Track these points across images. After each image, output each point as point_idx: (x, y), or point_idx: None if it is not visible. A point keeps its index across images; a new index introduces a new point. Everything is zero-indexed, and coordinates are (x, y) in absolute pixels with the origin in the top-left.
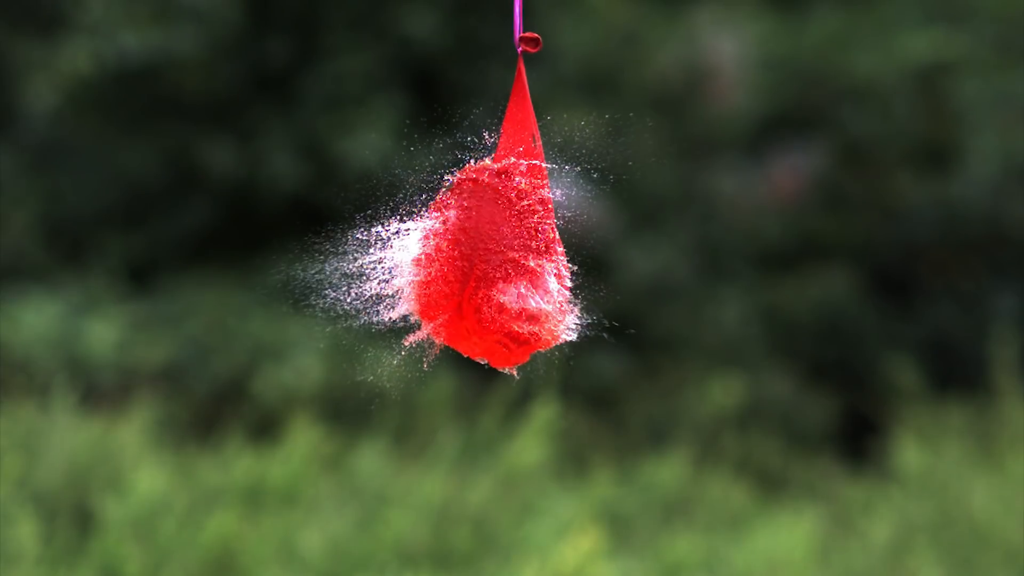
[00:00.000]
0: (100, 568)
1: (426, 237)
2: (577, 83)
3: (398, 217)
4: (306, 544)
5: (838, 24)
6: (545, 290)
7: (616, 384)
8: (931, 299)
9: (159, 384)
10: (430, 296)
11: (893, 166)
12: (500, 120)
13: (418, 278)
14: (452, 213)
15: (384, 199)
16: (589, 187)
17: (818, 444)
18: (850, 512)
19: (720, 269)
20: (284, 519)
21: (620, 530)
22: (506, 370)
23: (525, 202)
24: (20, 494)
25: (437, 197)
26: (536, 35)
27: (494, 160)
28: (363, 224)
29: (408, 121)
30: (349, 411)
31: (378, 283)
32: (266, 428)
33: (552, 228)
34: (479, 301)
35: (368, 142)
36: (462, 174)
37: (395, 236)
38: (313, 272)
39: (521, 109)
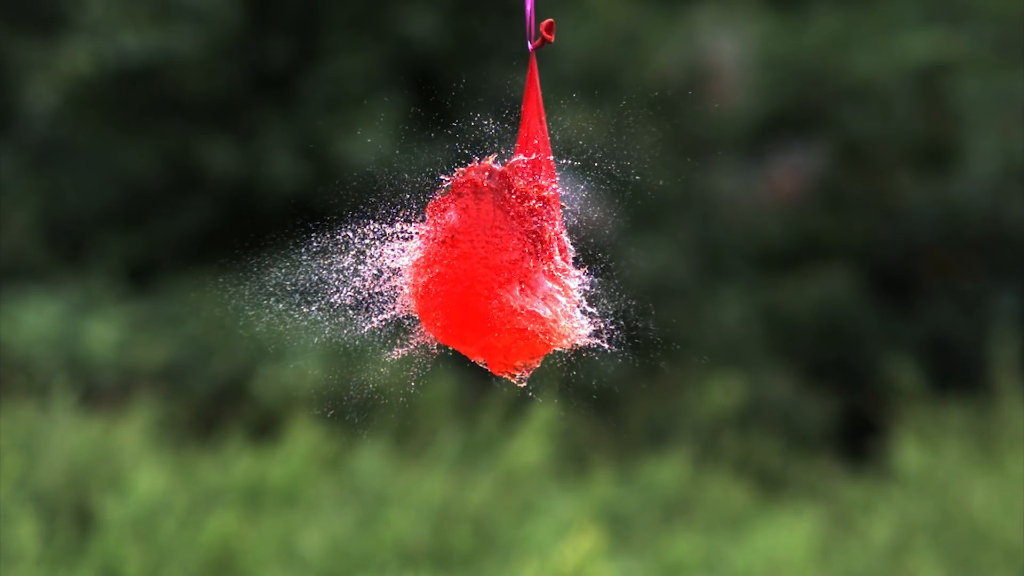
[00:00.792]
0: (100, 568)
1: (426, 238)
2: (577, 83)
3: (398, 218)
4: (306, 544)
5: (838, 24)
6: (545, 292)
7: (616, 384)
8: (931, 299)
9: (159, 384)
10: (429, 297)
11: (893, 166)
12: (510, 118)
13: (417, 279)
14: (451, 215)
15: (384, 199)
16: (591, 186)
17: (818, 444)
18: (850, 512)
19: (720, 269)
20: (284, 519)
21: (620, 530)
22: (506, 376)
23: (525, 205)
24: (20, 494)
25: (436, 198)
26: (551, 20)
27: (515, 153)
28: (363, 224)
29: (408, 121)
30: (349, 411)
31: (377, 283)
32: (266, 428)
33: (554, 229)
34: (478, 303)
35: (368, 142)
36: (462, 176)
37: (395, 237)
38: (313, 272)
39: (532, 107)
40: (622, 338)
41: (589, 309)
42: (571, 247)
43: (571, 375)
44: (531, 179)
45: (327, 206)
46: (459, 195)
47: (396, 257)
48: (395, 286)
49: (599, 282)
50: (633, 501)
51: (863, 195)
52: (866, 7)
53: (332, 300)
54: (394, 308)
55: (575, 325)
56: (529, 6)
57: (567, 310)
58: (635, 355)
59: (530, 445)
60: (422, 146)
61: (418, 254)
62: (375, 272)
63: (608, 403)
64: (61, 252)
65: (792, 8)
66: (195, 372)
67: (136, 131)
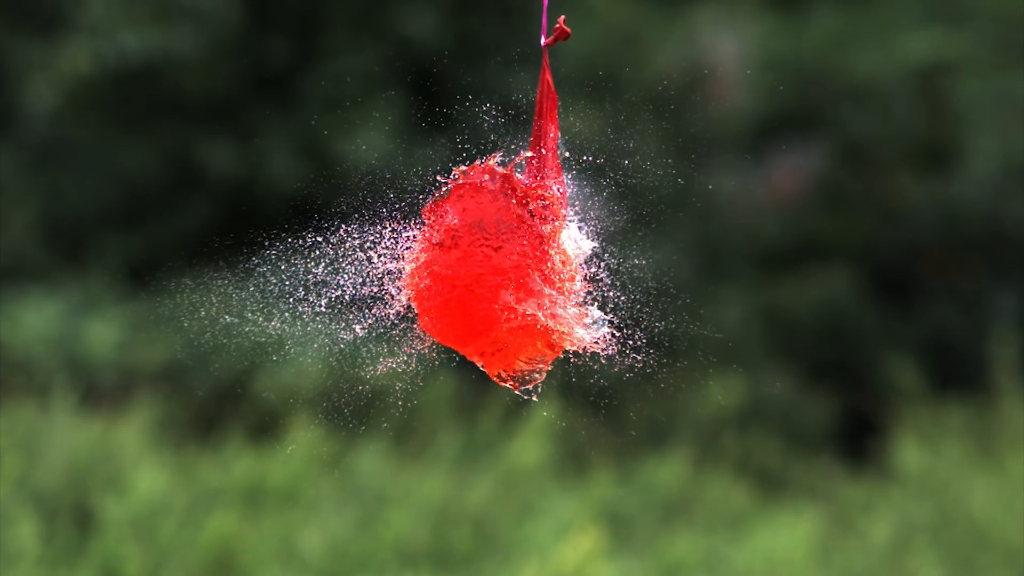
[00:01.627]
0: (100, 568)
1: (426, 239)
2: (577, 83)
3: (398, 218)
4: (306, 544)
5: (838, 24)
6: (545, 294)
7: (616, 384)
8: (931, 299)
9: (159, 384)
10: (428, 298)
11: (893, 166)
12: (510, 118)
13: (417, 280)
14: (452, 217)
15: (384, 200)
16: (593, 186)
17: (818, 444)
18: (850, 512)
19: (720, 269)
20: (284, 519)
21: (620, 530)
22: (507, 384)
23: (527, 206)
24: (20, 494)
25: (437, 199)
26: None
27: (529, 149)
28: (363, 225)
29: (407, 121)
30: (349, 411)
31: (377, 284)
32: (266, 428)
33: (556, 231)
34: (478, 305)
35: (368, 142)
36: (463, 177)
37: (395, 238)
38: (313, 272)
39: (542, 104)
40: (623, 339)
41: (589, 310)
42: (576, 248)
43: (571, 375)
44: (534, 180)
45: (327, 206)
46: (460, 196)
47: (396, 258)
48: (395, 287)
49: (600, 283)
50: (633, 501)
51: (863, 195)
52: (866, 7)
53: (332, 300)
54: (394, 309)
55: (575, 326)
56: (545, 2)
57: (567, 311)
58: (636, 356)
59: (530, 445)
60: (422, 146)
61: (418, 255)
62: (375, 273)
63: (608, 403)
64: (61, 252)
65: (792, 8)
66: (195, 372)
67: (136, 131)
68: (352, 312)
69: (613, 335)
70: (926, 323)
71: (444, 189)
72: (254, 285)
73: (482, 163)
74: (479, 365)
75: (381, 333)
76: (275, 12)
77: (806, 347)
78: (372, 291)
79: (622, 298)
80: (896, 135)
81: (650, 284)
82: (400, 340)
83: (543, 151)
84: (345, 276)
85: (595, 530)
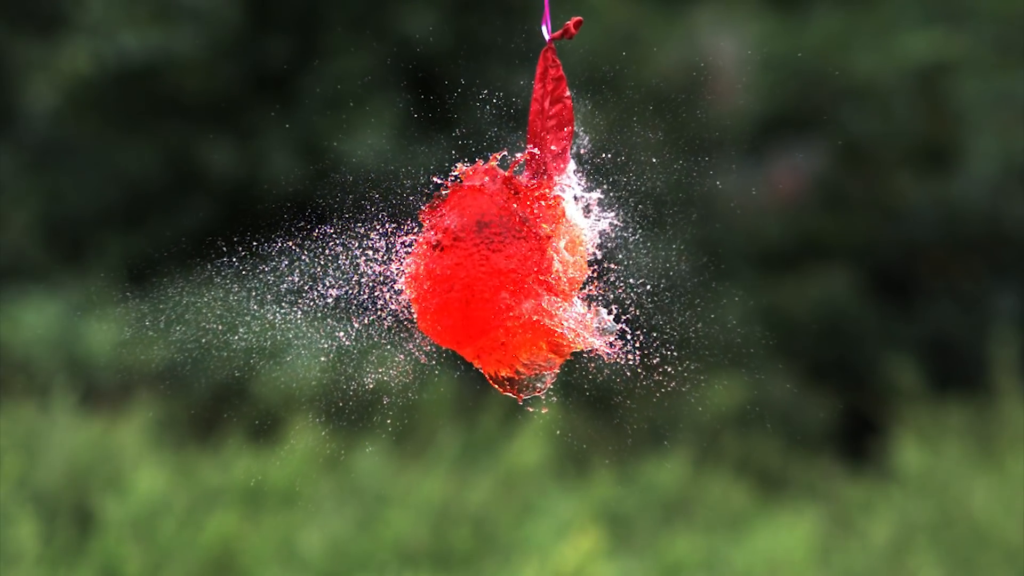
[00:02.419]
0: (100, 568)
1: (426, 241)
2: (577, 83)
3: (398, 219)
4: (306, 544)
5: (838, 24)
6: (545, 295)
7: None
8: (931, 299)
9: (159, 384)
10: (427, 299)
11: (893, 166)
12: (511, 118)
13: (416, 281)
14: (452, 219)
15: (384, 200)
16: (594, 186)
17: (818, 444)
18: (850, 512)
19: (720, 269)
20: (284, 519)
21: (620, 530)
22: (510, 395)
23: (527, 208)
24: (20, 494)
25: (437, 201)
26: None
27: (527, 138)
28: (363, 225)
29: (407, 121)
30: (349, 411)
31: (377, 284)
32: (266, 428)
33: (556, 233)
34: (477, 307)
35: (368, 142)
36: (463, 178)
37: (395, 238)
38: (313, 272)
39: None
40: (624, 340)
41: (599, 311)
42: (581, 247)
43: (571, 375)
44: (534, 181)
45: (327, 207)
46: (458, 197)
47: (395, 258)
48: (394, 287)
49: (606, 279)
50: (633, 501)
51: (863, 195)
52: (866, 7)
53: (331, 300)
54: (393, 309)
55: (580, 329)
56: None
57: (571, 313)
58: (636, 356)
59: (530, 445)
60: (422, 146)
61: (416, 256)
62: (374, 273)
63: (608, 403)
64: (61, 252)
65: (792, 8)
66: (195, 372)
67: (136, 131)
68: (352, 312)
69: (622, 338)
70: (926, 323)
71: (443, 191)
72: (254, 285)
73: (483, 164)
74: (477, 367)
75: (381, 333)
76: (275, 12)
77: (806, 347)
78: (371, 291)
79: (625, 298)
80: (896, 135)
81: (650, 284)
82: (399, 341)
83: (541, 147)
84: (344, 276)
85: (595, 530)
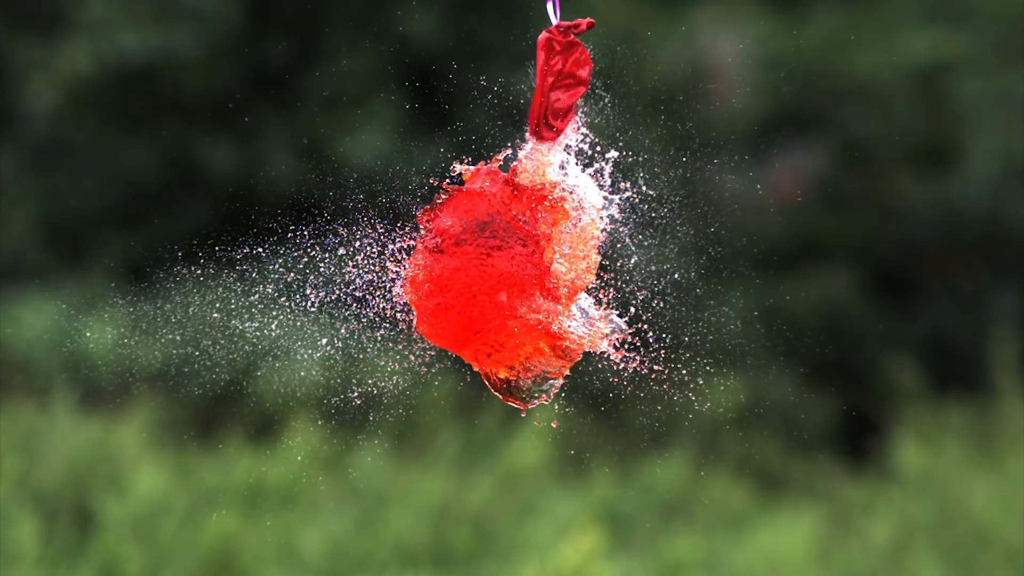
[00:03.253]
0: (100, 568)
1: (426, 242)
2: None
3: (398, 220)
4: (306, 544)
5: (838, 24)
6: (541, 297)
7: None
8: (931, 299)
9: (159, 384)
10: (427, 300)
11: (893, 166)
12: (511, 118)
13: (416, 282)
14: (452, 221)
15: (384, 201)
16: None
17: (818, 444)
18: (850, 512)
19: (720, 269)
20: (284, 519)
21: (620, 530)
22: (514, 405)
23: (527, 210)
24: (20, 494)
25: (437, 203)
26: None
27: (528, 121)
28: (363, 226)
29: (408, 121)
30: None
31: (377, 285)
32: (266, 428)
33: (555, 235)
34: (476, 309)
35: (368, 142)
36: (463, 180)
37: (395, 239)
38: (313, 272)
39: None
40: (629, 342)
41: (606, 314)
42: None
43: (572, 376)
44: (535, 183)
45: (326, 207)
46: (457, 200)
47: (394, 260)
48: (393, 289)
49: (606, 285)
50: (633, 501)
51: (863, 195)
52: (866, 7)
53: (331, 301)
54: (392, 311)
55: (583, 331)
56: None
57: (573, 315)
58: (640, 357)
59: (530, 445)
60: (422, 145)
61: (415, 258)
62: (373, 274)
63: (608, 403)
64: (61, 252)
65: (792, 8)
66: (195, 372)
67: (136, 131)
68: (351, 313)
69: (626, 339)
70: (926, 323)
71: (442, 195)
72: (254, 285)
73: (485, 165)
74: (476, 369)
75: (380, 334)
76: (275, 12)
77: (806, 347)
78: (370, 292)
79: (627, 299)
80: (896, 135)
81: (651, 285)
82: (398, 342)
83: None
84: (344, 277)
85: (595, 530)
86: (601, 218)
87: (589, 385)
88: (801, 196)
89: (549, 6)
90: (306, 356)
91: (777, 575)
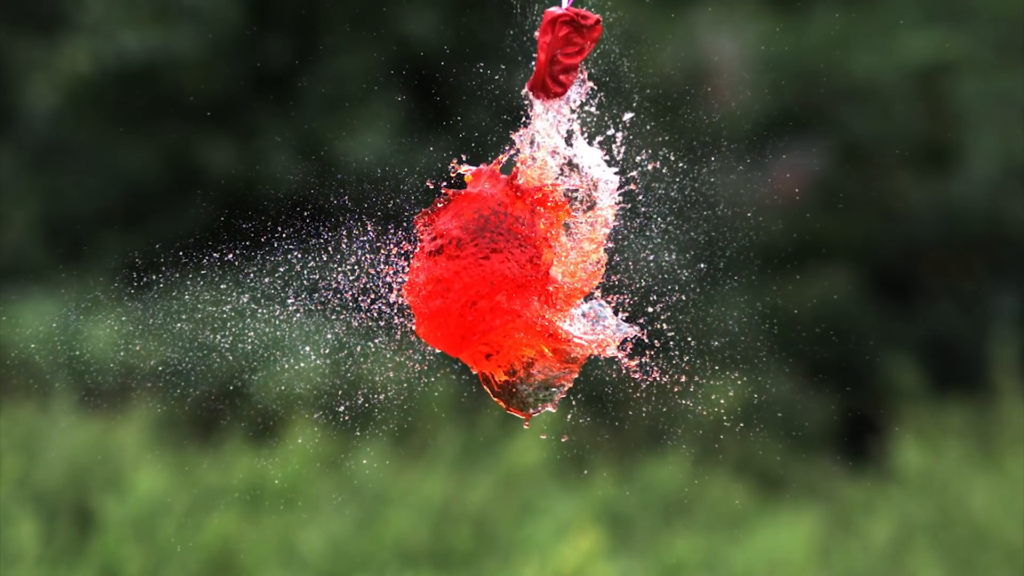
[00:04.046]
0: (100, 568)
1: (426, 244)
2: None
3: (398, 220)
4: (306, 544)
5: (838, 24)
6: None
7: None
8: (931, 299)
9: (159, 384)
10: (426, 302)
11: (893, 166)
12: (511, 118)
13: (415, 284)
14: (451, 223)
15: (384, 201)
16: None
17: (818, 444)
18: (850, 512)
19: (720, 269)
20: (284, 519)
21: (620, 530)
22: (518, 415)
23: (527, 210)
24: (20, 494)
25: (438, 205)
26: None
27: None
28: (363, 226)
29: (407, 121)
30: (349, 412)
31: (376, 286)
32: (266, 428)
33: (555, 237)
34: (476, 311)
35: (368, 142)
36: (467, 181)
37: (395, 240)
38: (313, 272)
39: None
40: (634, 344)
41: (603, 316)
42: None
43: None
44: (536, 185)
45: (327, 207)
46: (459, 203)
47: (393, 261)
48: (392, 291)
49: (609, 287)
50: (633, 501)
51: (863, 195)
52: (866, 7)
53: (330, 301)
54: (391, 312)
55: (579, 333)
56: None
57: (577, 318)
58: (638, 356)
59: (530, 445)
60: (422, 145)
61: (414, 260)
62: (373, 275)
63: (608, 403)
64: (61, 252)
65: (792, 8)
66: (195, 372)
67: (136, 131)
68: (350, 314)
69: (632, 342)
70: (926, 323)
71: (442, 198)
72: (254, 285)
73: (486, 167)
74: (475, 371)
75: (379, 335)
76: (275, 12)
77: (807, 347)
78: (370, 294)
79: (629, 300)
80: (896, 135)
81: (652, 285)
82: (398, 342)
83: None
84: (343, 278)
85: (595, 530)
86: (615, 202)
87: (589, 385)
88: (801, 196)
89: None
90: (306, 357)
91: (777, 575)
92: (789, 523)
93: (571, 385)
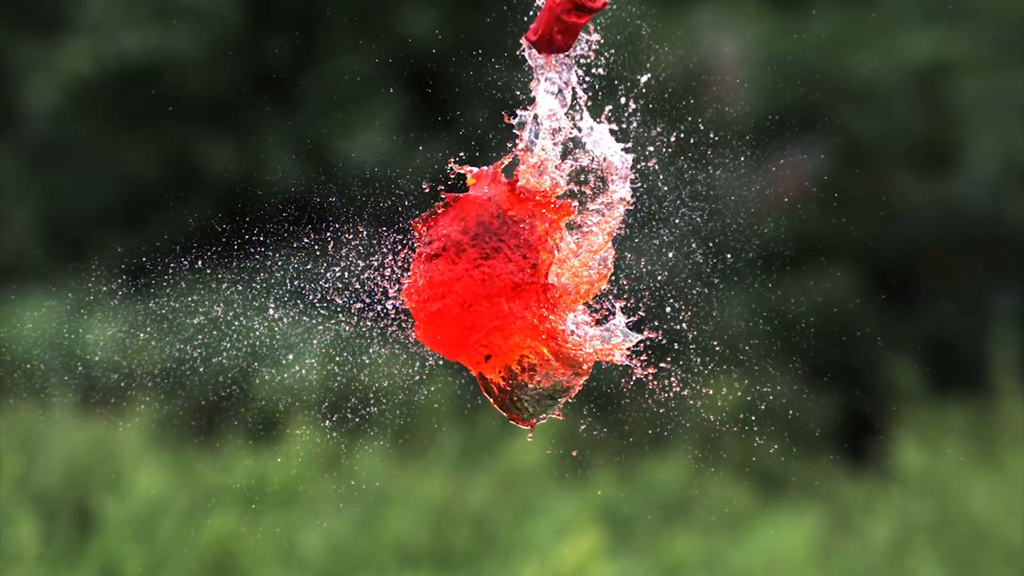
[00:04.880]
0: (100, 568)
1: (425, 246)
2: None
3: (395, 222)
4: (306, 544)
5: (838, 24)
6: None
7: (616, 384)
8: (931, 299)
9: (159, 384)
10: (423, 305)
11: (893, 166)
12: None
13: (415, 286)
14: (451, 226)
15: (384, 202)
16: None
17: (818, 444)
18: (850, 512)
19: (720, 269)
20: (284, 519)
21: (620, 530)
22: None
23: (526, 211)
24: (20, 494)
25: (434, 211)
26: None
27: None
28: (363, 227)
29: (407, 121)
30: (349, 412)
31: (376, 287)
32: (266, 428)
33: (555, 240)
34: (475, 313)
35: (367, 142)
36: (468, 183)
37: (395, 240)
38: (313, 273)
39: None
40: (640, 347)
41: (610, 319)
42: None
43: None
44: (535, 186)
45: (327, 207)
46: (459, 206)
47: (392, 263)
48: (391, 293)
49: (610, 291)
50: (633, 501)
51: (863, 195)
52: (866, 7)
53: (330, 302)
54: (392, 312)
55: (582, 337)
56: None
57: (579, 322)
58: (638, 356)
59: (530, 445)
60: (421, 146)
61: (413, 262)
62: (372, 276)
63: (608, 403)
64: (61, 252)
65: (793, 8)
66: (195, 372)
67: (136, 131)
68: (350, 314)
69: (639, 346)
70: (926, 323)
71: (442, 203)
72: (253, 285)
73: (487, 169)
74: (474, 374)
75: (379, 336)
76: (275, 12)
77: (807, 347)
78: (369, 295)
79: (629, 301)
80: (896, 135)
81: (653, 286)
82: (397, 343)
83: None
84: (343, 278)
85: (595, 530)
86: (625, 197)
87: (589, 385)
88: (801, 196)
89: None
90: (306, 357)
91: (777, 575)
92: (789, 523)
93: (576, 392)
